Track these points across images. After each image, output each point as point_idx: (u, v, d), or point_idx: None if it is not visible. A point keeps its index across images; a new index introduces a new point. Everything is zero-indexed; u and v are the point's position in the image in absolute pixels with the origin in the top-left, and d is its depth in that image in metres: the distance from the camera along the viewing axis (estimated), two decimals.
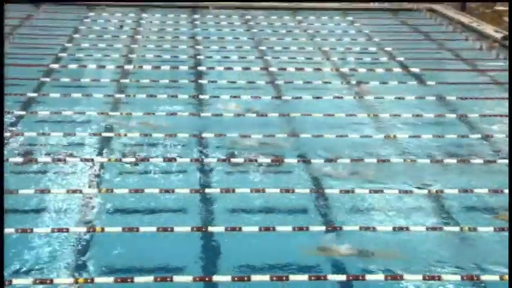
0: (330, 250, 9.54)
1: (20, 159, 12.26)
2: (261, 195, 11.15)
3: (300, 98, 15.89)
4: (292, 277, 8.82)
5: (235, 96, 15.87)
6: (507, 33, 20.33)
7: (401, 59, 19.43)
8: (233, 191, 11.13)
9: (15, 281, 8.52)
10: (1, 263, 6.83)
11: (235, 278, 8.76)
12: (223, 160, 12.47)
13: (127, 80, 17.22)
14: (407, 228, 10.11)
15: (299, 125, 14.34)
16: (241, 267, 9.16)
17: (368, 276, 8.88)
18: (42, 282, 8.57)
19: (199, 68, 18.39)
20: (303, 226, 10.08)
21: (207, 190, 11.35)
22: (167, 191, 11.16)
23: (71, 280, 8.68)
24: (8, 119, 14.17)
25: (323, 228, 10.18)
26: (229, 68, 18.16)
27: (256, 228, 10.02)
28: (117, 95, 16.09)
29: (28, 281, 8.59)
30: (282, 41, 21.15)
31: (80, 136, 13.44)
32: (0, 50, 10.39)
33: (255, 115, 14.70)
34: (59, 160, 12.31)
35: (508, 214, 10.24)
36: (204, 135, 13.71)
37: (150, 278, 8.68)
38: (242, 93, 16.11)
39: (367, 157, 12.62)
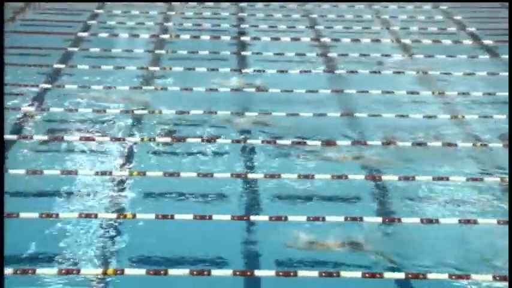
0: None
1: (45, 137, 12.45)
2: (309, 181, 11.12)
3: (356, 72, 15.76)
4: (343, 273, 8.80)
5: (282, 71, 15.80)
6: None
7: (472, 29, 19.09)
8: (278, 176, 11.12)
9: (38, 271, 8.67)
10: (1, 262, 6.96)
11: (280, 273, 8.76)
12: (268, 142, 12.45)
13: (162, 51, 17.29)
14: (475, 222, 9.98)
15: (354, 103, 14.23)
16: (286, 261, 9.16)
17: (430, 275, 8.82)
18: (68, 272, 8.70)
19: (243, 38, 18.35)
20: (356, 216, 10.03)
21: (249, 175, 11.36)
22: (205, 175, 11.20)
23: (98, 271, 8.80)
24: (32, 92, 14.40)
25: (378, 219, 10.12)
26: (276, 39, 18.08)
27: (303, 218, 10.00)
28: (152, 68, 16.17)
29: (53, 271, 8.73)
30: (335, 8, 20.94)
31: (110, 112, 13.57)
32: (0, 50, 10.60)
33: (304, 91, 14.62)
34: (87, 139, 12.45)
35: (508, 214, 10.09)
36: (247, 113, 13.69)
37: (185, 271, 8.75)
38: (290, 66, 16.04)
39: (430, 140, 12.48)
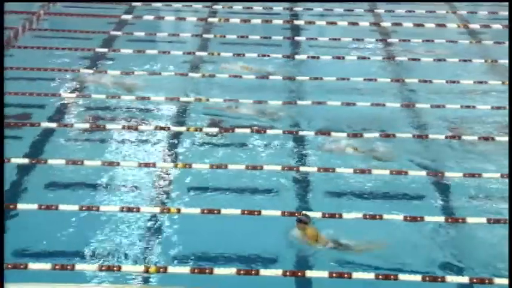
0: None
1: (86, 125, 12.59)
2: (367, 176, 11.05)
3: (418, 60, 15.58)
4: (401, 276, 8.74)
5: (338, 57, 15.71)
6: None
7: None
8: (332, 170, 11.07)
9: (78, 267, 8.78)
10: (1, 261, 7.04)
11: (334, 275, 8.73)
12: (322, 133, 12.40)
13: (210, 35, 17.33)
14: None
15: (415, 92, 14.09)
16: (341, 262, 9.12)
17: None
18: (109, 269, 8.79)
19: (297, 22, 18.29)
20: (417, 216, 9.94)
21: (301, 168, 11.34)
22: (254, 168, 11.22)
23: (140, 268, 8.88)
24: (72, 77, 14.57)
25: (441, 218, 10.02)
26: (333, 23, 17.99)
27: (359, 215, 9.96)
28: (199, 53, 16.23)
29: (93, 267, 8.83)
30: None
31: (154, 100, 13.67)
32: (0, 50, 10.76)
33: (361, 79, 14.53)
34: (131, 128, 12.57)
35: (508, 213, 10.00)
36: (299, 102, 13.67)
37: (231, 270, 8.77)
38: (346, 53, 15.94)
39: (500, 135, 12.30)
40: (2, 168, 7.74)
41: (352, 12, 18.81)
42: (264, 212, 9.97)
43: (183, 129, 12.60)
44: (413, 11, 18.95)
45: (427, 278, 8.75)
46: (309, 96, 13.91)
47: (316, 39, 16.99)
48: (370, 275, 8.79)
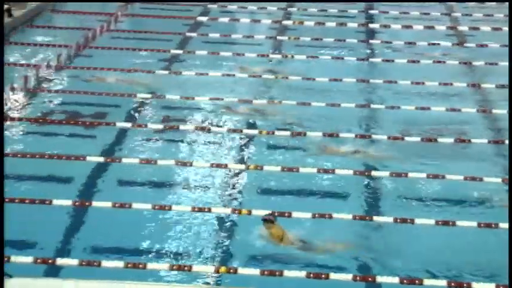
0: None
1: (159, 126, 12.74)
2: (441, 182, 10.88)
3: (495, 64, 15.30)
4: (475, 285, 8.58)
5: (413, 61, 15.55)
6: None
7: None
8: (405, 175, 10.95)
9: (150, 266, 8.87)
10: (1, 260, 7.11)
11: (404, 281, 8.62)
12: (396, 138, 12.27)
13: (285, 38, 17.36)
14: None
15: (492, 98, 13.84)
16: (412, 268, 8.99)
17: None
18: (179, 268, 8.87)
19: (372, 25, 18.18)
20: (491, 222, 9.75)
21: (373, 172, 11.25)
22: (326, 171, 11.17)
23: (211, 269, 8.92)
24: (147, 78, 14.76)
25: None
26: (408, 26, 17.80)
27: (431, 221, 9.81)
28: (273, 55, 16.27)
29: (164, 265, 8.92)
30: None
31: (228, 102, 13.74)
32: (0, 50, 10.92)
33: (437, 83, 14.35)
34: (203, 129, 12.67)
35: (508, 213, 9.76)
36: (373, 106, 13.57)
37: (301, 273, 8.73)
38: (422, 57, 15.75)
39: None
40: (2, 167, 7.79)
41: (428, 16, 18.61)
42: (334, 216, 9.92)
43: (255, 131, 12.62)
44: (492, 15, 18.65)
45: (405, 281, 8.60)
46: (382, 100, 13.80)
47: (391, 42, 16.86)
48: (441, 282, 8.65)
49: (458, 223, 9.79)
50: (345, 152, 11.90)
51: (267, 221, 9.55)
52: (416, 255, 9.24)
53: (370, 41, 17.02)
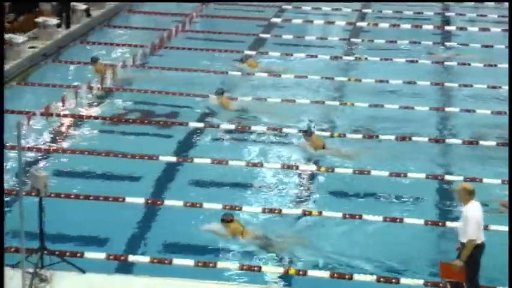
0: None
1: (231, 126, 12.79)
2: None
3: None
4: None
5: (490, 64, 15.27)
6: None
7: None
8: (480, 180, 10.73)
9: (220, 265, 8.92)
10: (1, 260, 7.15)
11: None
12: (470, 143, 12.07)
13: (358, 40, 17.25)
14: None
15: None
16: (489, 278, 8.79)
17: None
18: (249, 268, 8.88)
19: (448, 27, 17.91)
20: None
21: (447, 177, 11.08)
22: (398, 175, 11.05)
23: (279, 270, 8.92)
24: (220, 78, 14.85)
25: None
26: (485, 29, 17.48)
27: (504, 228, 9.58)
28: (346, 57, 16.18)
29: (234, 265, 8.95)
30: None
31: (300, 103, 13.72)
32: (0, 50, 11.06)
33: None
34: (274, 130, 12.66)
35: (508, 213, 9.41)
36: (447, 109, 13.39)
37: (372, 278, 8.66)
38: (499, 60, 15.42)
39: None
40: (2, 166, 7.84)
41: (506, 19, 18.23)
42: (406, 220, 9.81)
43: (326, 133, 12.56)
44: None
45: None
46: (456, 103, 13.62)
47: (467, 45, 16.59)
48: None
49: None
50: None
51: (224, 220, 9.63)
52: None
53: (446, 44, 16.79)
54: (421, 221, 9.85)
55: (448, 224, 9.82)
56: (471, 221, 7.96)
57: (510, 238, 8.76)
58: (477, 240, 7.99)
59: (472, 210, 8.02)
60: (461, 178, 10.89)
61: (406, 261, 9.12)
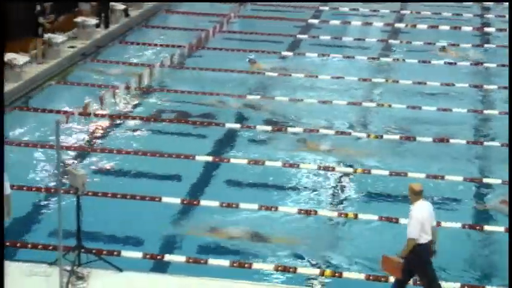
0: None
1: (267, 127, 12.79)
2: None
3: None
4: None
5: None
6: None
7: None
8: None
9: (255, 266, 8.92)
10: (1, 261, 7.16)
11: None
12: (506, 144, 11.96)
13: (396, 41, 17.15)
14: None
15: None
16: None
17: None
18: (285, 269, 8.88)
19: (487, 29, 17.74)
20: None
21: (485, 180, 10.98)
22: (435, 177, 10.97)
23: (315, 271, 8.90)
24: (255, 79, 14.85)
25: None
26: None
27: None
28: (383, 59, 16.10)
29: (269, 266, 8.95)
30: None
31: (337, 105, 13.68)
32: (0, 50, 11.03)
33: None
34: (312, 131, 12.64)
35: (508, 213, 9.34)
36: (486, 112, 13.27)
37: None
38: None
39: None
40: (2, 165, 7.88)
41: None
42: (444, 224, 9.72)
43: (363, 134, 12.52)
44: None
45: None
46: (496, 105, 13.47)
47: (506, 47, 16.42)
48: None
49: None
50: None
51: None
52: None
53: (485, 45, 16.63)
54: (459, 225, 9.77)
55: (487, 228, 9.74)
56: (413, 220, 8.01)
57: (510, 238, 8.71)
58: (420, 240, 8.01)
59: (416, 210, 8.04)
60: (500, 181, 10.79)
61: (443, 265, 9.05)
